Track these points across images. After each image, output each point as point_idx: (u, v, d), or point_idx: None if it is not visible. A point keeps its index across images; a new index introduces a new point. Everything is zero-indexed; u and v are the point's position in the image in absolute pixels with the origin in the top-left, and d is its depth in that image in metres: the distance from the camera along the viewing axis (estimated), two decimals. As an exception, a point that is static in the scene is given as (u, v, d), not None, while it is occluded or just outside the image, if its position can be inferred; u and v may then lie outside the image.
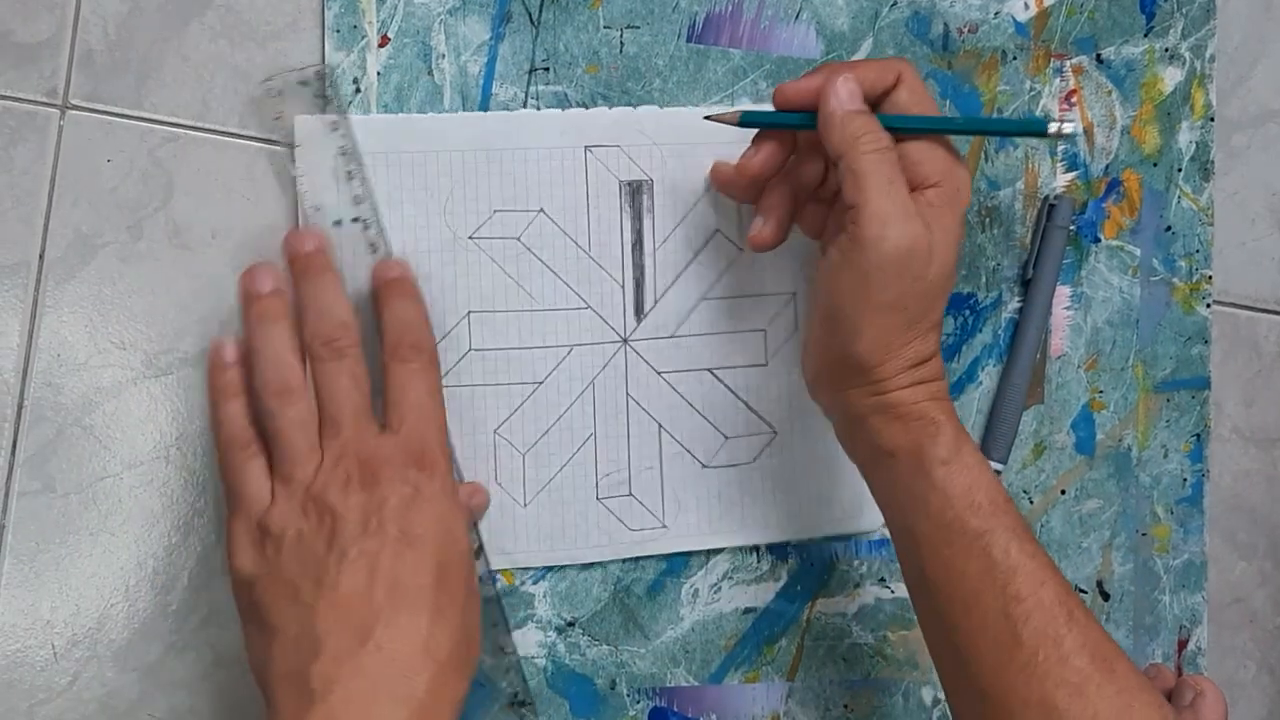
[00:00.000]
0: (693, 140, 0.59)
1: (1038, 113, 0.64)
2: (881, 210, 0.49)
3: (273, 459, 0.50)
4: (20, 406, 0.55)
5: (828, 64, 0.53)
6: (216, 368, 0.52)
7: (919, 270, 0.49)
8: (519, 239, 0.58)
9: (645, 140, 0.59)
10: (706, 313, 0.60)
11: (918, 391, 0.51)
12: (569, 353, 0.59)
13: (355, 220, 0.56)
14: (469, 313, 0.58)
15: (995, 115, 0.50)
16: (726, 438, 0.61)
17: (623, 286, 0.59)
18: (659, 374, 0.60)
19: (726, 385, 0.61)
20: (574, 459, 0.59)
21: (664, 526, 0.60)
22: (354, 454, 0.49)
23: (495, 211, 0.58)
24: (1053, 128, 0.52)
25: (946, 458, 0.50)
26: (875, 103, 0.52)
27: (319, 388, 0.51)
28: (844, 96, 0.51)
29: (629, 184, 0.59)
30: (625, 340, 0.59)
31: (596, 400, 0.59)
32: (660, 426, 0.60)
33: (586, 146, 0.59)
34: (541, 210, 0.58)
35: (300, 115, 0.56)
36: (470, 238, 0.58)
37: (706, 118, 0.56)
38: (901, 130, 0.51)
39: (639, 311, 0.60)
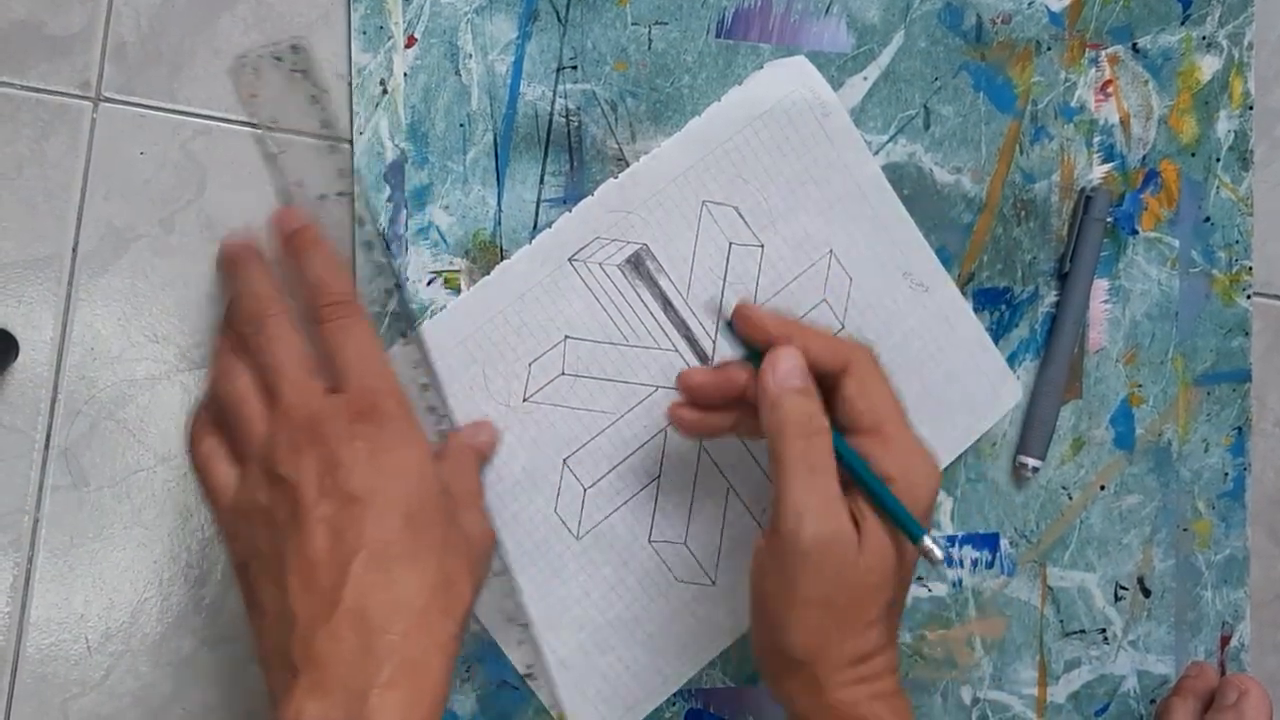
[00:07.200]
0: None
1: (1073, 104, 0.63)
2: (798, 502, 0.47)
3: (229, 441, 0.49)
4: (54, 400, 0.54)
5: (787, 321, 0.52)
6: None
7: (841, 566, 0.47)
8: (618, 266, 0.57)
9: (763, 206, 0.59)
10: None
11: (858, 691, 0.49)
12: (653, 393, 0.58)
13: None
14: (565, 338, 0.57)
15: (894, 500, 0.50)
16: None
17: (714, 340, 0.59)
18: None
19: None
20: (634, 499, 0.58)
21: (712, 583, 0.59)
22: (299, 417, 0.47)
23: (597, 238, 0.57)
24: (926, 541, 0.49)
25: None
26: (821, 378, 0.50)
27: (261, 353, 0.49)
28: (781, 373, 0.49)
29: (740, 247, 0.59)
30: None
31: (668, 446, 0.59)
32: (730, 486, 0.59)
33: (704, 201, 0.58)
34: (645, 245, 0.58)
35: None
36: (570, 260, 0.57)
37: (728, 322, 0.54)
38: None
39: None
